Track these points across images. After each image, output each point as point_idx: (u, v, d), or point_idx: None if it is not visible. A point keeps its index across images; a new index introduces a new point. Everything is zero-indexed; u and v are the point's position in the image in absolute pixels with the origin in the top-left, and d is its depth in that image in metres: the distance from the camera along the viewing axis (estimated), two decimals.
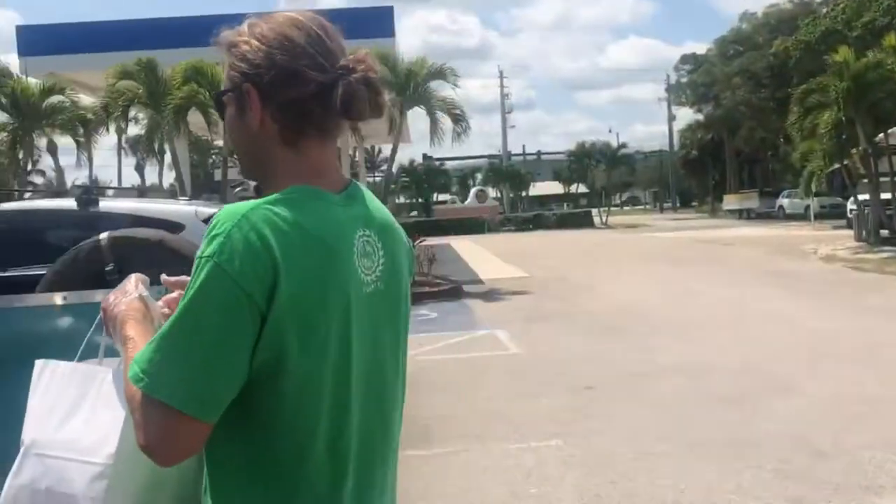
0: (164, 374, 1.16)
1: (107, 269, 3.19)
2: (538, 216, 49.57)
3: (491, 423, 6.36)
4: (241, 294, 1.15)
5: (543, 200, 72.31)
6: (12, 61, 19.77)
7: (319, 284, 1.21)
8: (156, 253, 3.36)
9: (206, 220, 6.47)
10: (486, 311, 13.17)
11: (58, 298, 2.96)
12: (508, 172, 61.04)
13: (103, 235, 3.27)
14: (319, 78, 1.27)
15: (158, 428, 1.17)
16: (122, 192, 16.08)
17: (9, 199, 8.77)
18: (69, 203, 6.94)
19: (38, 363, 1.66)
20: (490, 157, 74.63)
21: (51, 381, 1.62)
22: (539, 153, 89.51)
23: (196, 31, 19.43)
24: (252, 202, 1.22)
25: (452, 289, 15.67)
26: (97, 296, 3.08)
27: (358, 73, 1.28)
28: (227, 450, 1.24)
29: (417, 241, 16.70)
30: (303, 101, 1.28)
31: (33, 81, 18.17)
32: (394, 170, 22.02)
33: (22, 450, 1.55)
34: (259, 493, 1.23)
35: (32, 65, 18.95)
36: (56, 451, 1.54)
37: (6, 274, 5.96)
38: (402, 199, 63.08)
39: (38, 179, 36.41)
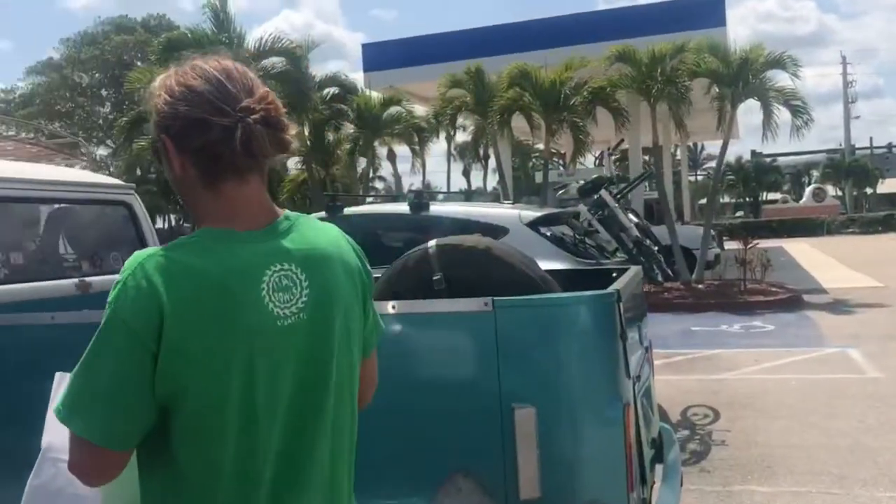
0: (75, 408, 1.30)
1: (434, 277, 3.06)
2: (889, 217, 43.93)
3: (851, 461, 5.43)
4: (132, 336, 1.27)
5: (895, 199, 64.11)
6: (359, 78, 21.65)
7: (211, 322, 1.28)
8: (482, 260, 3.17)
9: (529, 225, 6.36)
10: (832, 324, 11.68)
11: (388, 307, 2.87)
12: (851, 168, 55.03)
13: (431, 244, 3.15)
14: (222, 122, 1.33)
15: (77, 455, 1.33)
16: (450, 196, 16.83)
17: (354, 203, 9.41)
18: (404, 207, 7.27)
19: (57, 375, 1.76)
20: (829, 151, 67.84)
21: None
22: (889, 146, 79.65)
23: (520, 36, 19.86)
24: (153, 249, 1.33)
25: (791, 298, 14.20)
26: (426, 306, 2.97)
27: (257, 114, 1.33)
28: (151, 472, 1.37)
29: (750, 245, 15.39)
30: (211, 146, 1.34)
31: (375, 95, 19.73)
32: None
33: (40, 454, 1.67)
34: None
35: (375, 79, 20.60)
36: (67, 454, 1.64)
37: None
38: (726, 199, 59.75)
39: (380, 185, 39.89)
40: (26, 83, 40.17)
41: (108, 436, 1.30)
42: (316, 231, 1.46)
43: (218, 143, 1.33)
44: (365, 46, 22.82)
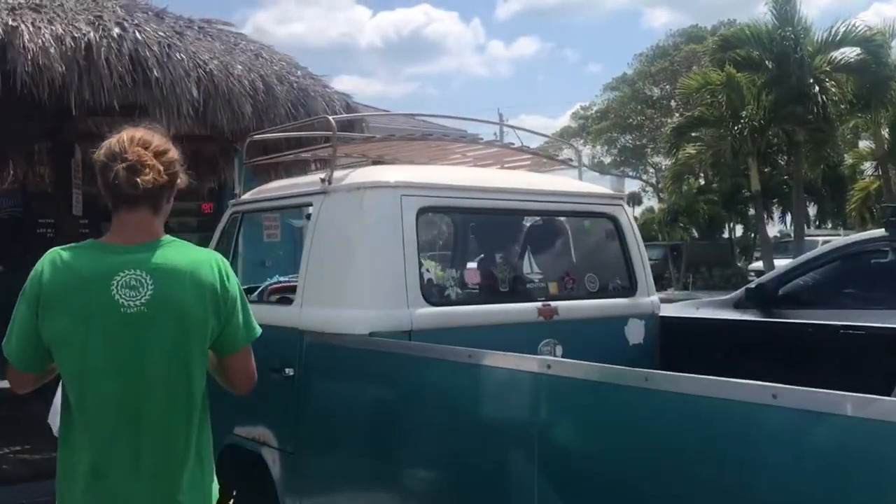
0: (5, 340, 2.09)
1: None
2: None
3: None
4: (28, 302, 2.05)
5: None
6: None
7: (67, 300, 2.01)
8: None
9: None
10: None
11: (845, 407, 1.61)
12: None
13: None
14: (114, 165, 2.05)
15: (7, 370, 2.10)
16: None
17: None
18: None
19: None
20: None
21: None
22: None
23: None
24: (58, 247, 2.10)
25: None
26: None
27: (125, 162, 2.05)
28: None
29: None
30: (108, 182, 2.07)
31: None
32: None
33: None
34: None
35: None
36: None
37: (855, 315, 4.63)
38: None
39: None
40: (602, 99, 43.17)
41: (16, 360, 2.09)
42: (178, 252, 2.10)
43: (109, 179, 2.07)
44: None
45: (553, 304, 3.70)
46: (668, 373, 2.15)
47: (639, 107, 40.36)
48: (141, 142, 2.07)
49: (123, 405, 2.01)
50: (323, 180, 3.56)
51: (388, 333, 3.16)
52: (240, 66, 6.43)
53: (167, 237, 2.10)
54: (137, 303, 1.99)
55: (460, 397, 2.81)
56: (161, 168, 2.05)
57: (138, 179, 2.01)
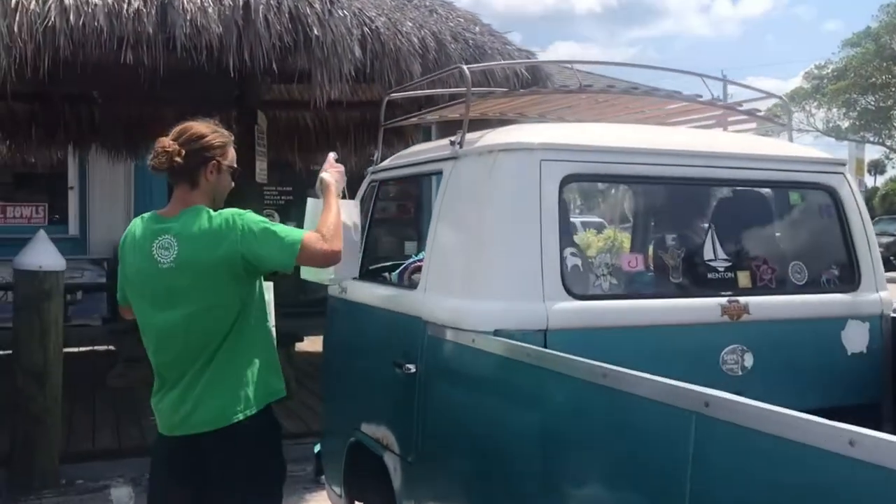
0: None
1: None
2: None
3: None
4: (118, 255, 2.71)
5: None
6: None
7: (128, 256, 2.64)
8: None
9: None
10: None
11: None
12: None
13: None
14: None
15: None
16: None
17: None
18: None
19: (310, 202, 2.96)
20: None
21: None
22: None
23: None
24: (136, 217, 2.73)
25: None
26: None
27: (154, 148, 2.59)
28: None
29: None
30: None
31: None
32: None
33: None
34: None
35: None
36: None
37: None
38: None
39: None
40: (840, 57, 38.86)
41: (118, 296, 2.78)
42: (197, 218, 2.55)
43: None
44: None
45: (743, 300, 2.89)
46: (883, 436, 1.36)
47: (884, 64, 35.91)
48: (176, 132, 2.61)
49: (160, 336, 2.61)
50: (453, 143, 2.98)
51: (517, 332, 2.53)
52: (409, 23, 5.93)
53: (195, 206, 2.59)
54: (168, 260, 2.54)
55: (592, 423, 2.14)
56: (182, 152, 2.55)
57: (152, 163, 2.58)
